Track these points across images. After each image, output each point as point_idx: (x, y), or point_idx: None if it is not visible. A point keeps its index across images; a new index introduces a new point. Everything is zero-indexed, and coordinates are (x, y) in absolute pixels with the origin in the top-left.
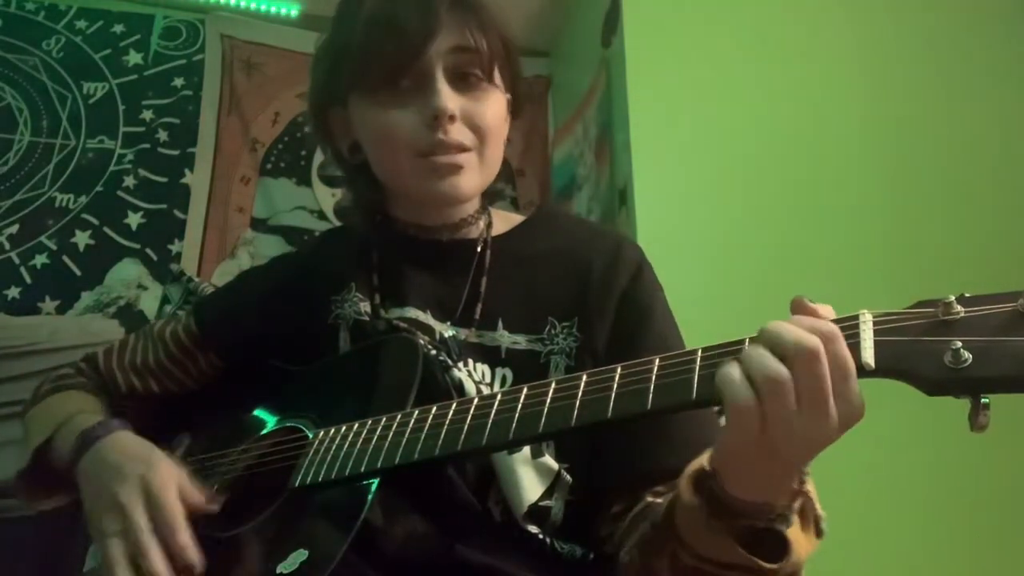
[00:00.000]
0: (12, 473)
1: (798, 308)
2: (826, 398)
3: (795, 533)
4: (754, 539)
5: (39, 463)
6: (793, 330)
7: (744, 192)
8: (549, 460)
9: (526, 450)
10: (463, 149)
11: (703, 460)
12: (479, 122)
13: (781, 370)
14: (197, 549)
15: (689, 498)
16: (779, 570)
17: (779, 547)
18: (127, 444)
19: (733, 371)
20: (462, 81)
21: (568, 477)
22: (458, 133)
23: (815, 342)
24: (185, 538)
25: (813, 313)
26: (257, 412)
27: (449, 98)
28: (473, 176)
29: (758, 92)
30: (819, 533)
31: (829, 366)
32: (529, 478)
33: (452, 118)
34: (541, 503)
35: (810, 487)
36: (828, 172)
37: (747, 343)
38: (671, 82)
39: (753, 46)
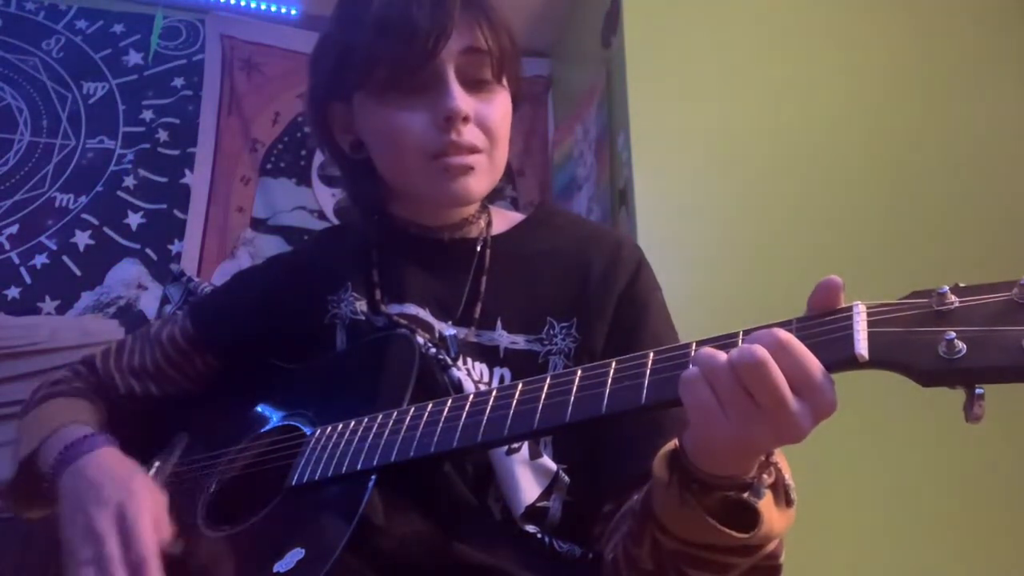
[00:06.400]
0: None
1: (829, 288)
2: (782, 399)
3: (767, 507)
4: (728, 513)
5: (26, 474)
6: (743, 346)
7: (744, 192)
8: (547, 460)
9: (524, 450)
10: (474, 150)
11: (675, 440)
12: (489, 123)
13: (720, 359)
14: None
15: (662, 474)
16: (751, 540)
17: (752, 519)
18: (108, 464)
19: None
20: (472, 82)
21: (566, 477)
22: (470, 134)
23: (758, 352)
24: (153, 571)
25: (837, 300)
26: (254, 411)
27: (462, 99)
28: (483, 177)
29: (758, 91)
30: (789, 502)
31: (784, 369)
32: (527, 479)
33: (466, 119)
34: (539, 503)
35: (779, 459)
36: (828, 172)
37: (740, 337)
38: (671, 82)
39: (753, 45)
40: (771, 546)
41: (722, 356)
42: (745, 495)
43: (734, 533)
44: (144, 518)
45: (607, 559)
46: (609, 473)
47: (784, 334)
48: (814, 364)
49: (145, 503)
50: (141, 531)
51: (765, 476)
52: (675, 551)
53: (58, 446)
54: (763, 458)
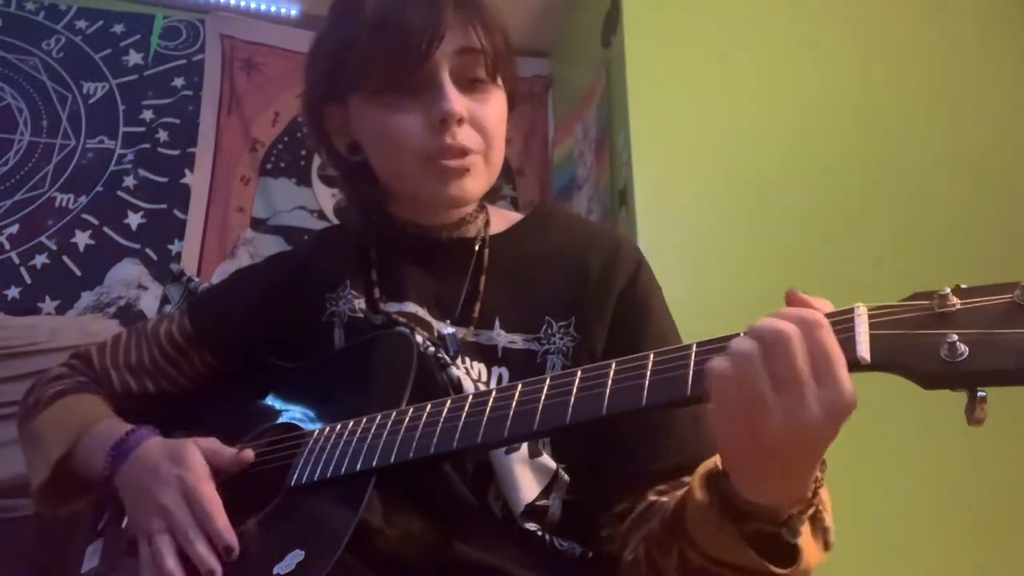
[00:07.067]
0: (12, 473)
1: (791, 300)
2: (800, 381)
3: (806, 541)
4: (765, 542)
5: (61, 473)
6: (768, 318)
7: (744, 192)
8: (547, 459)
9: (524, 449)
10: (469, 152)
11: (716, 459)
12: (484, 124)
13: (747, 343)
14: (232, 532)
15: (701, 496)
16: (789, 574)
17: (789, 552)
18: (159, 448)
19: (716, 358)
20: (467, 82)
21: (566, 476)
22: (465, 135)
23: (786, 325)
24: (221, 523)
25: (806, 303)
26: (253, 410)
27: (457, 100)
28: (479, 178)
29: (758, 92)
30: (827, 546)
31: (808, 350)
32: (526, 478)
33: (461, 121)
34: (539, 502)
35: (823, 497)
36: (828, 171)
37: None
38: (671, 82)
39: (753, 46)
40: None
41: (743, 337)
42: (781, 531)
43: (771, 567)
44: (203, 479)
45: (626, 559)
46: (621, 472)
47: (814, 314)
48: (836, 350)
49: (199, 465)
50: (203, 491)
51: (804, 514)
52: (702, 567)
53: (100, 443)
54: (808, 495)
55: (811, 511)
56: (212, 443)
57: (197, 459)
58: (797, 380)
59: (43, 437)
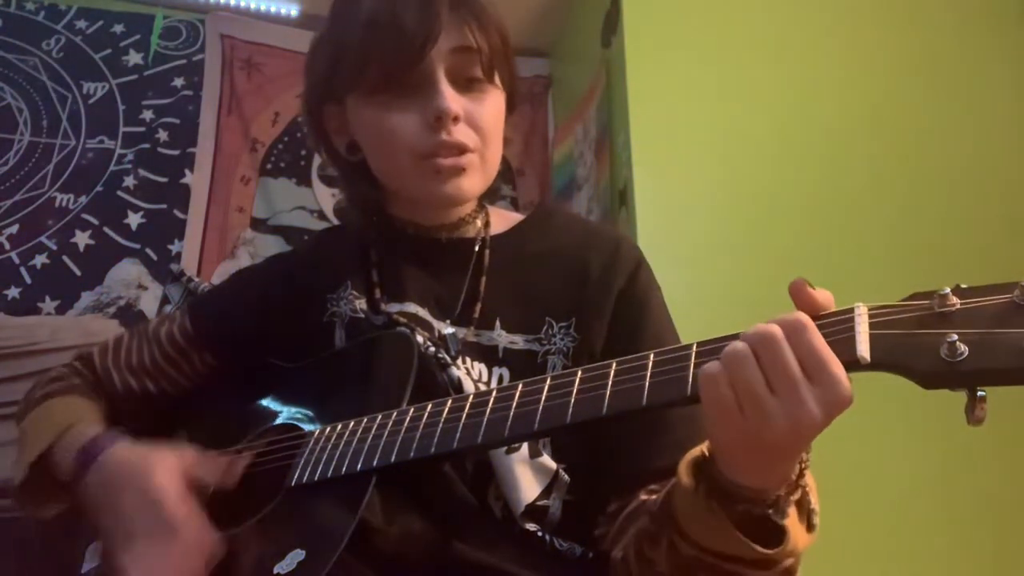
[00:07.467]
0: (11, 474)
1: (795, 291)
2: (794, 380)
3: (793, 523)
4: (752, 527)
5: (37, 475)
6: (758, 324)
7: (744, 192)
8: (547, 459)
9: (524, 449)
10: (465, 150)
11: (702, 447)
12: (480, 122)
13: (738, 346)
14: (211, 533)
15: (688, 482)
16: (775, 556)
17: (776, 535)
18: (124, 456)
19: (709, 363)
20: (463, 81)
21: (566, 476)
22: (460, 134)
23: (772, 328)
24: (186, 522)
25: (809, 297)
26: (253, 410)
27: (452, 99)
28: (476, 177)
29: (758, 91)
30: (810, 527)
31: (796, 352)
32: (527, 478)
33: (456, 119)
34: (539, 502)
35: (808, 480)
36: (827, 171)
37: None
38: (671, 82)
39: (752, 46)
40: (789, 562)
41: (742, 344)
42: (769, 512)
43: (759, 548)
44: (168, 488)
45: (615, 557)
46: (613, 472)
47: (799, 315)
48: (825, 350)
49: (166, 473)
50: (165, 496)
51: (791, 496)
52: (693, 557)
53: (73, 446)
54: (794, 476)
55: (798, 493)
56: (188, 456)
57: (163, 467)
58: (791, 380)
59: (25, 438)
